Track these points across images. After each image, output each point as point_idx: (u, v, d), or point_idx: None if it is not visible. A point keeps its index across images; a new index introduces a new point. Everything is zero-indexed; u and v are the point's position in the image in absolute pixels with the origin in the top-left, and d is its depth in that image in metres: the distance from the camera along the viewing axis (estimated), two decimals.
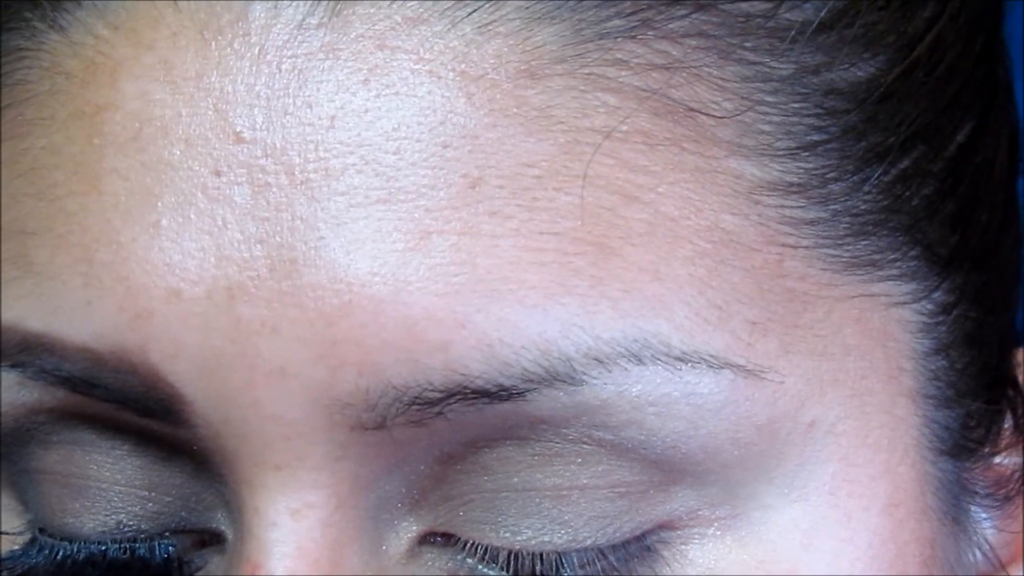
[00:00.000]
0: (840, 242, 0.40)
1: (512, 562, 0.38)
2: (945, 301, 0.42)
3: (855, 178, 0.40)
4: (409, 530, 0.39)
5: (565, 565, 0.38)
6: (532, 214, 0.36)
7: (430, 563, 0.39)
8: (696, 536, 0.39)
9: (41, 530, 0.41)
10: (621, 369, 0.37)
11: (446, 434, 0.37)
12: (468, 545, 0.38)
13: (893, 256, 0.41)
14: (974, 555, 0.45)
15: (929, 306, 0.42)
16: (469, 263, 0.36)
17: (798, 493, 0.39)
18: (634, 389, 0.37)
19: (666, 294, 0.37)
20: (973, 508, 0.44)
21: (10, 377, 0.39)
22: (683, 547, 0.39)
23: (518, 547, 0.38)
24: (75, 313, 0.38)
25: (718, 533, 0.39)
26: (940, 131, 0.42)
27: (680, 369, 0.37)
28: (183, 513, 0.40)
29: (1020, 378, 0.47)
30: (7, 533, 0.42)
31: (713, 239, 0.38)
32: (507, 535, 0.38)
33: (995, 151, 0.45)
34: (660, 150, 0.37)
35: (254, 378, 0.37)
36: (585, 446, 0.38)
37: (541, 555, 0.38)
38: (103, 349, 0.38)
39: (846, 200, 0.40)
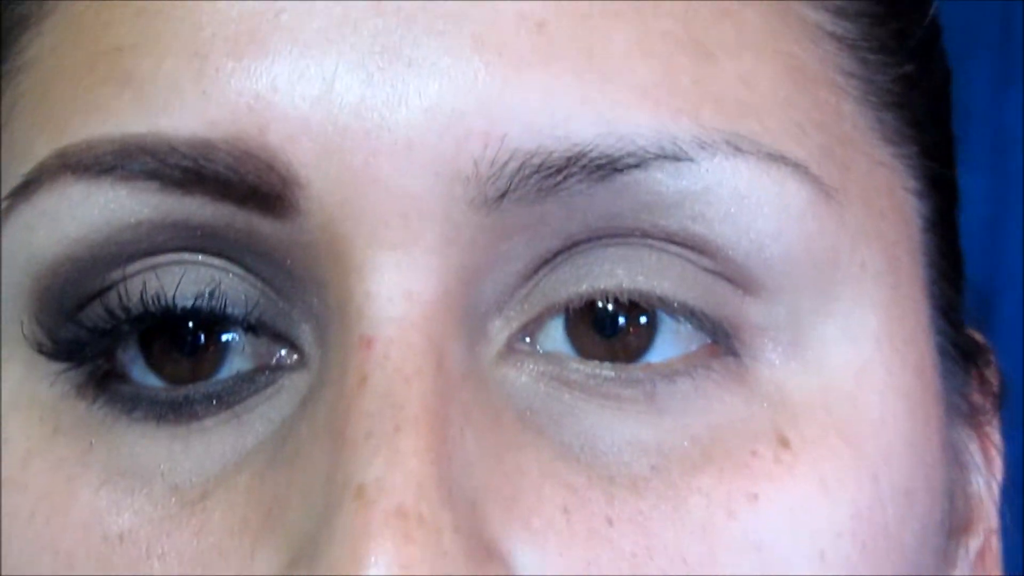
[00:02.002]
0: (875, 107, 0.43)
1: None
2: (932, 216, 0.45)
3: (883, 55, 0.43)
4: (501, 331, 0.39)
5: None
6: (640, 13, 0.39)
7: (519, 364, 0.39)
8: (764, 355, 0.40)
9: None
10: (722, 156, 0.39)
11: (553, 222, 0.39)
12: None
13: (906, 141, 0.44)
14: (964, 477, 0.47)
15: (924, 209, 0.45)
16: (586, 49, 0.38)
17: (851, 335, 0.41)
18: (732, 179, 0.39)
19: (758, 103, 0.39)
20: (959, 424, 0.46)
21: (99, 188, 0.39)
22: (750, 362, 0.40)
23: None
24: (186, 106, 0.38)
25: (784, 356, 0.40)
26: (930, 54, 0.47)
27: (772, 167, 0.39)
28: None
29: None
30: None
31: (789, 65, 0.41)
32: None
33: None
34: None
35: (379, 152, 0.37)
36: (676, 246, 0.39)
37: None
38: (217, 136, 0.38)
39: (880, 73, 0.43)
